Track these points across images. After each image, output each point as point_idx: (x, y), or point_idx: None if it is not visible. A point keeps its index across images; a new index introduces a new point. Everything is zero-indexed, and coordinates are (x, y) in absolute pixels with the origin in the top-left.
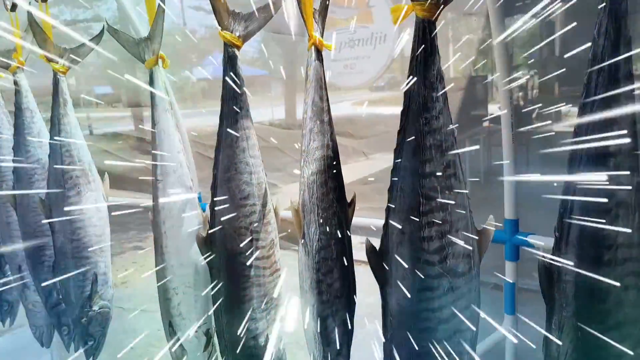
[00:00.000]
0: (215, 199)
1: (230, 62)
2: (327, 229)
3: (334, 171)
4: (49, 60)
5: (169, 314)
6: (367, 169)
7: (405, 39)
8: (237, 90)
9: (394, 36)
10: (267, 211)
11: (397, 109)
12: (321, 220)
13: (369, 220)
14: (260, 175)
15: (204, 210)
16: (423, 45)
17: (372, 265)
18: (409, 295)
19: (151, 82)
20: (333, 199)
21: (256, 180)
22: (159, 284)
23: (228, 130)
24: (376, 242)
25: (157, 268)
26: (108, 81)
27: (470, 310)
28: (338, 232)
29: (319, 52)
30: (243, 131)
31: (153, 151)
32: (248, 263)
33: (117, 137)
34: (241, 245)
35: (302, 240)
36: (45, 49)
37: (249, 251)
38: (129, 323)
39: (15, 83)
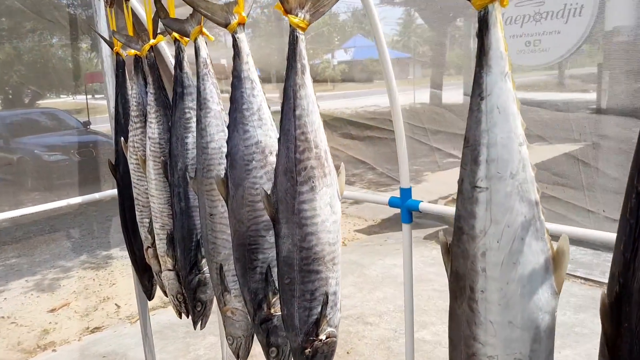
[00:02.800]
0: (635, 230)
1: None
2: None
3: None
4: (288, 11)
5: None
6: None
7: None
8: None
9: (594, 8)
10: None
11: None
12: None
13: None
14: None
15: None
16: None
17: None
18: None
19: (483, 29)
20: None
21: None
22: (455, 340)
23: None
24: None
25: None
26: (260, 64)
27: None
28: None
29: None
30: None
31: (470, 140)
32: None
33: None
34: None
35: None
36: None
37: None
38: None
39: (235, 45)
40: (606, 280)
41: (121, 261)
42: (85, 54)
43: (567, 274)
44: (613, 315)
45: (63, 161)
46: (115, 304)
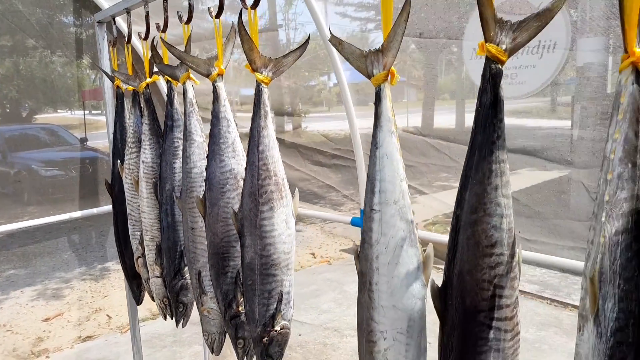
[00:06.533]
0: (456, 243)
1: (492, 81)
2: (627, 306)
3: None
4: (255, 70)
5: (371, 358)
6: None
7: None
8: (496, 115)
9: (565, 45)
10: (515, 263)
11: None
12: (621, 294)
13: None
14: (511, 220)
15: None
16: None
17: None
18: None
19: (377, 100)
20: (636, 267)
21: (507, 225)
22: (360, 321)
23: (479, 163)
24: None
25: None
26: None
27: None
28: (637, 309)
29: (639, 74)
30: (497, 165)
31: (369, 177)
32: (488, 323)
33: None
34: (482, 302)
35: (595, 319)
36: (251, 58)
37: (490, 310)
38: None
39: (215, 91)
40: (571, 301)
41: (114, 274)
42: (83, 71)
43: (534, 294)
44: (441, 296)
45: (60, 176)
46: (107, 315)
